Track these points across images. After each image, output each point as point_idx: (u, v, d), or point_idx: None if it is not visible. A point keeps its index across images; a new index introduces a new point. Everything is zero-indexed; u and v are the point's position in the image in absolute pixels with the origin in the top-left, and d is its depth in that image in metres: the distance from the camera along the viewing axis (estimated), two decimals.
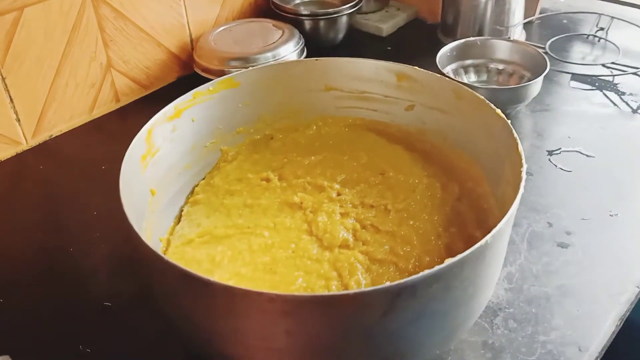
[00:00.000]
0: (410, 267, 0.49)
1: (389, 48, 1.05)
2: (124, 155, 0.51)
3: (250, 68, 0.61)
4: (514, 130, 0.47)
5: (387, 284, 0.35)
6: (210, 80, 0.89)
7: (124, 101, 0.92)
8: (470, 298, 0.42)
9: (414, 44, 1.06)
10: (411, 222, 0.53)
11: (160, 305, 0.46)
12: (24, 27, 0.75)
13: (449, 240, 0.52)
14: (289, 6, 1.03)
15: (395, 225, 0.53)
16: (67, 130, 0.86)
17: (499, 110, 0.50)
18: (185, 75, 0.98)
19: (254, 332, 0.38)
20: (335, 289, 0.48)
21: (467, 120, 0.55)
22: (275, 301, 0.34)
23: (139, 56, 0.91)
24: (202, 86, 0.58)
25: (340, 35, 1.04)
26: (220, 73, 0.91)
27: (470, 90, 0.54)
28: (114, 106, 0.91)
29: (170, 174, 0.57)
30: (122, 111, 0.91)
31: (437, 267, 0.36)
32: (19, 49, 0.76)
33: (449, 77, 0.56)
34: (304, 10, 1.01)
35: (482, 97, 0.52)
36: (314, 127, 0.65)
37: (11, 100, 0.78)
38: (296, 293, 0.44)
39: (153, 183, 0.54)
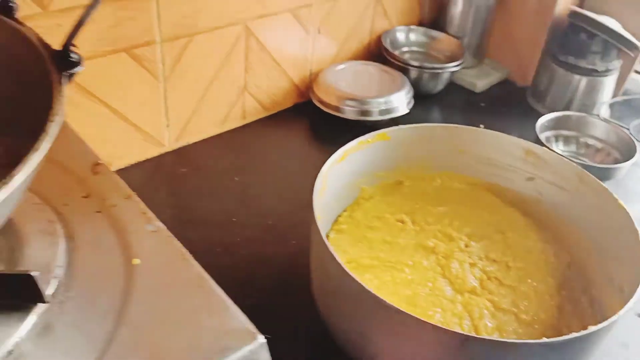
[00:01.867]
0: (529, 319, 0.59)
1: (483, 104, 1.15)
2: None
3: (401, 126, 0.71)
4: (636, 225, 0.57)
5: (545, 339, 0.45)
6: (325, 111, 1.01)
7: (249, 119, 1.03)
8: None
9: (505, 103, 1.16)
10: (529, 281, 0.63)
11: (331, 319, 0.56)
12: (191, 51, 0.87)
13: (560, 301, 0.62)
14: (398, 54, 1.14)
15: (515, 281, 0.63)
16: (200, 140, 0.97)
17: (621, 202, 0.60)
18: (300, 102, 1.10)
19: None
20: (467, 329, 0.58)
21: (586, 202, 0.65)
22: (469, 340, 0.44)
23: (269, 82, 1.02)
24: (363, 137, 0.68)
25: (440, 87, 1.15)
26: (335, 108, 1.02)
27: (594, 177, 0.64)
28: (240, 122, 1.02)
29: (327, 205, 0.68)
30: (247, 128, 1.02)
31: (581, 332, 0.46)
32: (183, 68, 0.87)
33: (574, 162, 0.66)
34: (412, 61, 1.11)
35: (606, 187, 0.62)
36: (439, 180, 0.76)
37: (166, 109, 0.89)
38: (489, 337, 0.54)
39: (318, 211, 0.64)
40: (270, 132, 1.03)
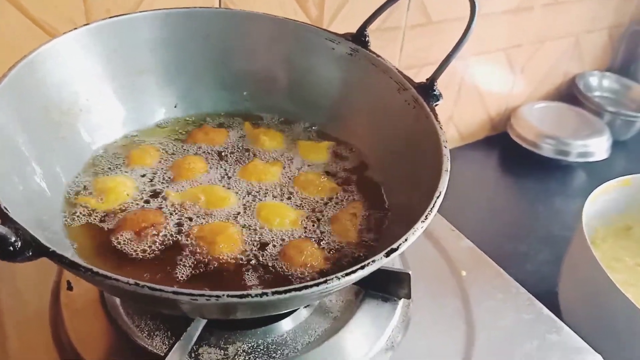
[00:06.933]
0: None
1: None
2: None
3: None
4: None
5: None
6: (521, 145, 1.05)
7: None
8: None
9: None
10: None
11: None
12: None
13: None
14: (592, 96, 1.15)
15: None
16: None
17: None
18: (491, 135, 1.14)
19: None
20: None
21: None
22: None
23: (472, 114, 1.08)
24: (612, 181, 0.72)
25: (630, 135, 1.15)
26: (533, 144, 1.06)
27: None
28: None
29: None
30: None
31: None
32: None
33: None
34: (608, 106, 1.13)
35: None
36: None
37: None
38: None
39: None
40: (464, 161, 1.08)
